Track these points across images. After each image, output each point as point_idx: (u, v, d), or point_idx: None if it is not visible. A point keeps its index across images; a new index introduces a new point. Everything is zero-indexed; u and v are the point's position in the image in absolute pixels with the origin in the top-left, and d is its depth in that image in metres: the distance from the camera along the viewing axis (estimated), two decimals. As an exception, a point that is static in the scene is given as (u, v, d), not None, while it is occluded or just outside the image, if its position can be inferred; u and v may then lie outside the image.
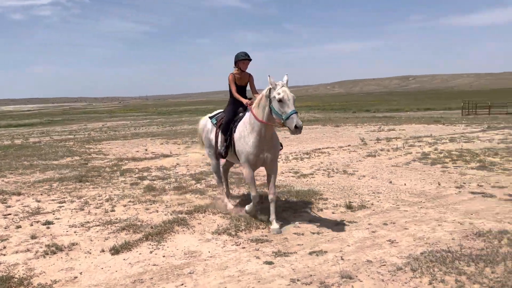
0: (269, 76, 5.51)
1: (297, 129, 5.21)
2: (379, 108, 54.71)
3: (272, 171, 6.07)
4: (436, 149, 12.80)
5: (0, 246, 5.46)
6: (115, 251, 5.12)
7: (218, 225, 6.01)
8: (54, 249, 5.25)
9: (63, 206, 7.38)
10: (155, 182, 9.30)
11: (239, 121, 6.25)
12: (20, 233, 5.97)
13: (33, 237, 5.76)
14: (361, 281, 4.05)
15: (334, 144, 15.53)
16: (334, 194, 7.77)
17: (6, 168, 12.03)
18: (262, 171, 7.04)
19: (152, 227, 5.91)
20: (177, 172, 10.58)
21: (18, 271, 4.67)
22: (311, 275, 4.25)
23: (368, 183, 8.65)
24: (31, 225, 6.35)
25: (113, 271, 4.60)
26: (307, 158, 12.29)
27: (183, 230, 5.84)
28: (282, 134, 15.33)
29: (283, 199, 7.45)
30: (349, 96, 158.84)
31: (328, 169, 10.37)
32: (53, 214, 6.92)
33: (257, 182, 8.42)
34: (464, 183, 8.25)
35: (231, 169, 8.10)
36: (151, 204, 7.29)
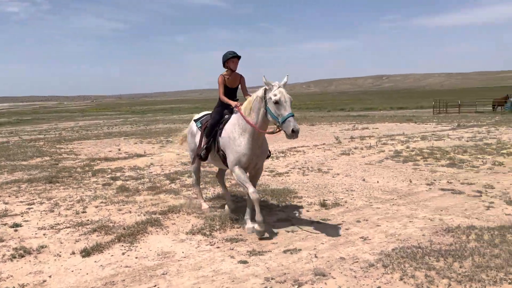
0: (263, 76, 5.20)
1: (294, 133, 4.94)
2: (353, 107, 55.50)
3: (256, 177, 5.96)
4: (408, 147, 13.08)
5: (-36, 251, 5.25)
6: (86, 253, 5.00)
7: (192, 225, 5.95)
8: (22, 252, 5.09)
9: (32, 208, 7.16)
10: (128, 182, 9.15)
11: (225, 124, 5.96)
12: (-14, 237, 5.76)
13: (0, 240, 5.56)
14: (334, 278, 4.08)
15: (309, 142, 15.66)
16: (308, 192, 7.83)
17: (-28, 169, 11.59)
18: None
19: (124, 228, 5.80)
20: (151, 172, 10.44)
21: (-17, 276, 4.50)
22: (285, 273, 4.26)
23: (342, 181, 8.76)
24: (-2, 228, 6.13)
25: (83, 274, 4.49)
26: (282, 156, 12.35)
27: (157, 231, 5.76)
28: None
29: (261, 197, 7.44)
30: (324, 95, 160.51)
31: (303, 167, 10.44)
32: (22, 216, 6.70)
33: (227, 183, 8.40)
34: (435, 180, 8.45)
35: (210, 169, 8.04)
36: (124, 205, 7.17)
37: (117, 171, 10.60)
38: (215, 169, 10.58)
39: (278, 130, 5.32)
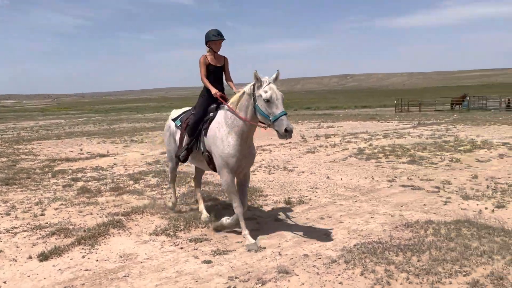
0: (255, 71, 4.77)
1: (287, 133, 4.58)
2: (319, 106, 56.34)
3: (244, 180, 5.45)
4: (371, 145, 13.40)
5: None
6: (43, 257, 4.82)
7: (156, 226, 5.86)
8: (-26, 258, 4.85)
9: (-14, 212, 6.83)
10: (90, 183, 8.90)
11: (210, 122, 5.43)
12: None
13: (-50, 246, 5.28)
14: (297, 275, 4.13)
15: (275, 141, 15.74)
16: (274, 191, 7.88)
17: None
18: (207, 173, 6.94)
19: (85, 231, 5.64)
20: (114, 173, 10.20)
21: None
22: (249, 272, 4.27)
23: (307, 179, 8.87)
24: None
25: (40, 279, 4.33)
26: (248, 155, 12.35)
27: (119, 233, 5.63)
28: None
29: (225, 197, 7.43)
30: (290, 94, 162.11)
31: (269, 166, 10.49)
32: (-26, 220, 6.38)
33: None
34: (396, 177, 8.70)
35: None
36: (85, 207, 6.96)
37: (78, 172, 10.29)
38: (186, 169, 10.47)
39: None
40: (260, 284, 3.99)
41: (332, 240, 5.13)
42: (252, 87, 4.93)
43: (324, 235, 5.31)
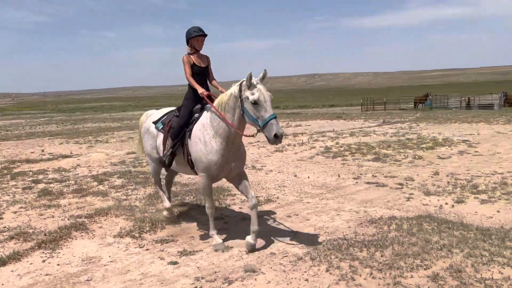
0: (251, 72, 4.46)
1: (277, 139, 4.29)
2: (288, 105, 56.80)
3: (242, 178, 5.06)
4: (337, 143, 13.62)
5: None
6: (1, 262, 4.63)
7: (121, 228, 5.73)
8: None
9: None
10: (51, 185, 8.60)
11: (194, 123, 5.10)
12: None
13: None
14: (264, 274, 4.14)
15: (244, 140, 15.74)
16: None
17: None
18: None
19: (46, 234, 5.44)
20: (77, 174, 9.90)
21: None
22: (215, 272, 4.25)
23: (275, 178, 8.91)
24: None
25: (-3, 286, 4.15)
26: (216, 154, 12.29)
27: (82, 235, 5.47)
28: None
29: (193, 197, 7.37)
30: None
31: (236, 165, 10.47)
32: None
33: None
34: (361, 174, 8.88)
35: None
36: (46, 209, 6.72)
37: (39, 174, 9.93)
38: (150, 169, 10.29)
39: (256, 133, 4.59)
40: (226, 284, 3.97)
41: (298, 237, 5.17)
42: (239, 87, 4.58)
43: (291, 233, 5.35)
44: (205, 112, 5.07)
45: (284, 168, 9.98)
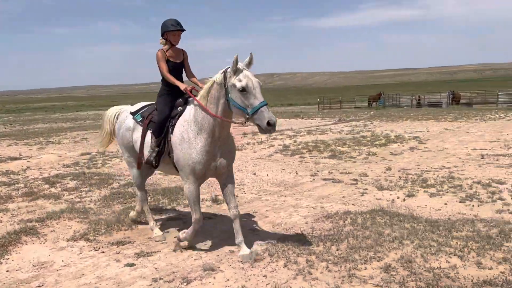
0: (237, 55, 4.09)
1: (270, 127, 3.96)
2: (246, 104, 56.92)
3: (228, 180, 4.74)
4: (295, 141, 13.83)
5: None
6: None
7: (74, 231, 5.54)
8: None
9: None
10: (-1, 188, 8.17)
11: (177, 118, 4.70)
12: None
13: None
14: (222, 272, 4.15)
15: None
16: (201, 189, 7.81)
17: None
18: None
19: (-7, 240, 5.17)
20: (27, 176, 9.46)
21: None
22: (174, 272, 4.21)
23: (234, 176, 8.90)
24: None
25: None
26: (174, 154, 12.14)
27: (32, 240, 5.24)
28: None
29: (150, 198, 7.23)
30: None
31: (195, 164, 10.40)
32: None
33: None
34: (318, 171, 9.07)
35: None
36: (-7, 214, 6.38)
37: (-15, 177, 9.40)
38: (108, 170, 10.01)
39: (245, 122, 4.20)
40: (185, 284, 3.95)
41: (257, 234, 5.22)
42: (223, 74, 4.23)
43: (250, 230, 5.39)
44: (188, 107, 4.69)
45: (243, 166, 10.02)
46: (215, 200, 6.89)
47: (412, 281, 3.75)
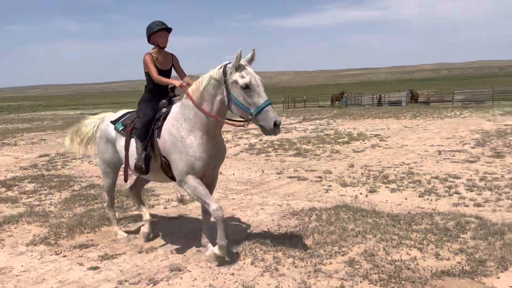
0: (241, 50, 3.86)
1: (276, 128, 3.75)
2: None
3: (212, 186, 4.59)
4: (261, 140, 13.91)
5: None
6: None
7: (34, 235, 5.34)
8: None
9: None
10: (-50, 193, 7.75)
11: (162, 120, 4.45)
12: None
13: None
14: (190, 271, 4.13)
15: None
16: (166, 190, 7.73)
17: None
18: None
19: None
20: (-18, 180, 9.03)
21: None
22: (140, 274, 4.14)
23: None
24: None
25: None
26: (138, 154, 11.93)
27: (-11, 246, 5.02)
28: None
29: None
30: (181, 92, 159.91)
31: (160, 164, 10.26)
32: None
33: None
34: (284, 169, 9.17)
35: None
36: None
37: None
38: (69, 171, 9.68)
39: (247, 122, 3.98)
40: (151, 285, 3.90)
41: (224, 233, 5.21)
42: (223, 70, 3.97)
43: (216, 230, 5.37)
44: (174, 106, 4.47)
45: (208, 166, 9.98)
46: (181, 200, 6.83)
47: (375, 273, 3.87)
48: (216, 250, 4.19)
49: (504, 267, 3.89)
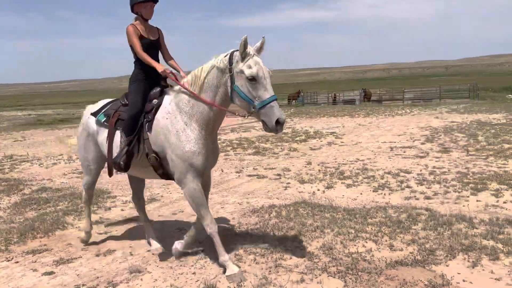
0: (246, 36, 3.53)
1: (279, 126, 3.49)
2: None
3: (207, 187, 4.31)
4: (219, 139, 13.89)
5: None
6: None
7: (-18, 242, 5.07)
8: None
9: None
10: None
11: (154, 113, 4.04)
12: None
13: None
14: (150, 273, 4.08)
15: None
16: (123, 191, 7.57)
17: None
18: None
19: None
20: None
21: None
22: (98, 277, 4.04)
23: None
24: None
25: None
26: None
27: None
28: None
29: (68, 203, 6.84)
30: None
31: (116, 165, 10.01)
32: None
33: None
34: (243, 168, 9.22)
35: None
36: None
37: None
38: (18, 175, 9.23)
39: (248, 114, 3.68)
40: (111, 287, 3.82)
41: (185, 233, 5.18)
42: (228, 59, 3.66)
43: (177, 230, 5.35)
44: (167, 96, 4.08)
45: (166, 166, 9.85)
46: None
47: (333, 266, 4.00)
48: (227, 272, 3.86)
49: (453, 256, 4.14)
